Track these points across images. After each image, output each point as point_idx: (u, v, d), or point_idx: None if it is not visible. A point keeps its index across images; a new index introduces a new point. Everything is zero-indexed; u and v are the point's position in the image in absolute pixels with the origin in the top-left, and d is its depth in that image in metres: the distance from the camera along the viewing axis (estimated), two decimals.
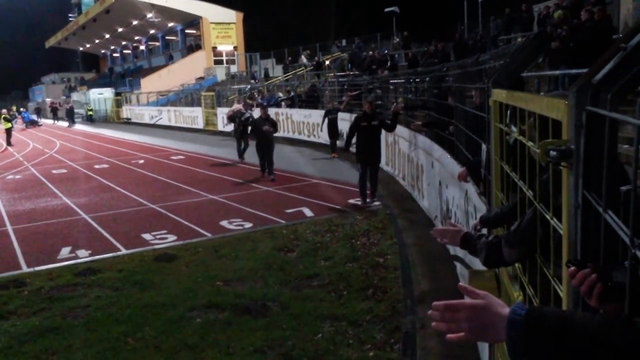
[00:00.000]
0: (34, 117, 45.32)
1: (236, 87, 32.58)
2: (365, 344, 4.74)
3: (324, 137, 17.89)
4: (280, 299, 5.82)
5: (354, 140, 10.01)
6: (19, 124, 42.35)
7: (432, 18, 31.46)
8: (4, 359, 4.78)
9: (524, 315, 1.15)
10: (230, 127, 26.04)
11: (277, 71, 36.84)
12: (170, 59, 49.35)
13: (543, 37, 3.18)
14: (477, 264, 4.50)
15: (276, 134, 13.25)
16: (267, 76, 35.21)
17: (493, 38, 18.42)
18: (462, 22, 24.41)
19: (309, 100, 21.73)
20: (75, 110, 45.46)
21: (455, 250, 6.23)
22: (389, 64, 22.41)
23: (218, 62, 44.58)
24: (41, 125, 43.33)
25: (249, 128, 14.20)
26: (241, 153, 15.85)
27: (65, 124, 42.87)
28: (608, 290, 1.25)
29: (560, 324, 1.13)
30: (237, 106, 16.93)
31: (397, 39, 27.64)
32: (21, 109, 51.60)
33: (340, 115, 16.62)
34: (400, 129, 11.91)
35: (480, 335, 1.25)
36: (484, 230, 3.25)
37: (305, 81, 28.08)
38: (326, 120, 16.68)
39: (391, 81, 16.26)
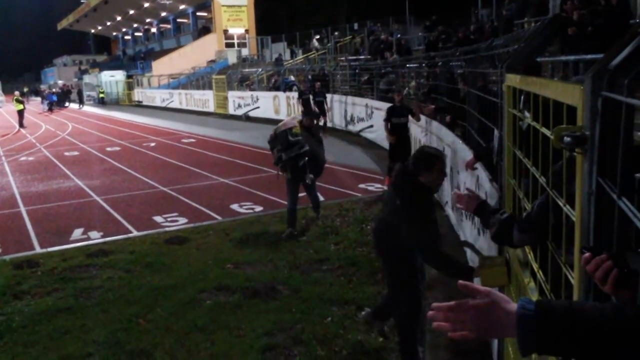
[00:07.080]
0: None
1: (247, 70, 32.46)
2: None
3: (337, 123, 15.34)
4: (290, 282, 5.85)
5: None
6: (38, 108, 42.44)
7: (445, 2, 30.97)
8: (18, 338, 4.86)
9: (534, 309, 1.12)
10: (240, 111, 26.30)
11: (287, 55, 36.62)
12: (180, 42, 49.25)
13: (558, 22, 3.13)
14: (487, 250, 4.49)
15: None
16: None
17: (506, 22, 18.13)
18: (476, 5, 24.06)
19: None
20: (87, 93, 45.58)
21: (466, 236, 6.21)
22: (395, 48, 22.14)
23: (229, 45, 44.39)
24: (67, 106, 43.38)
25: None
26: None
27: (75, 105, 43.16)
28: (624, 277, 1.24)
29: (572, 314, 1.11)
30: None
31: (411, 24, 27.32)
32: (40, 90, 51.17)
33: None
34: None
35: (487, 333, 1.20)
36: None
37: (317, 65, 27.91)
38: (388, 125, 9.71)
39: (407, 65, 15.84)
